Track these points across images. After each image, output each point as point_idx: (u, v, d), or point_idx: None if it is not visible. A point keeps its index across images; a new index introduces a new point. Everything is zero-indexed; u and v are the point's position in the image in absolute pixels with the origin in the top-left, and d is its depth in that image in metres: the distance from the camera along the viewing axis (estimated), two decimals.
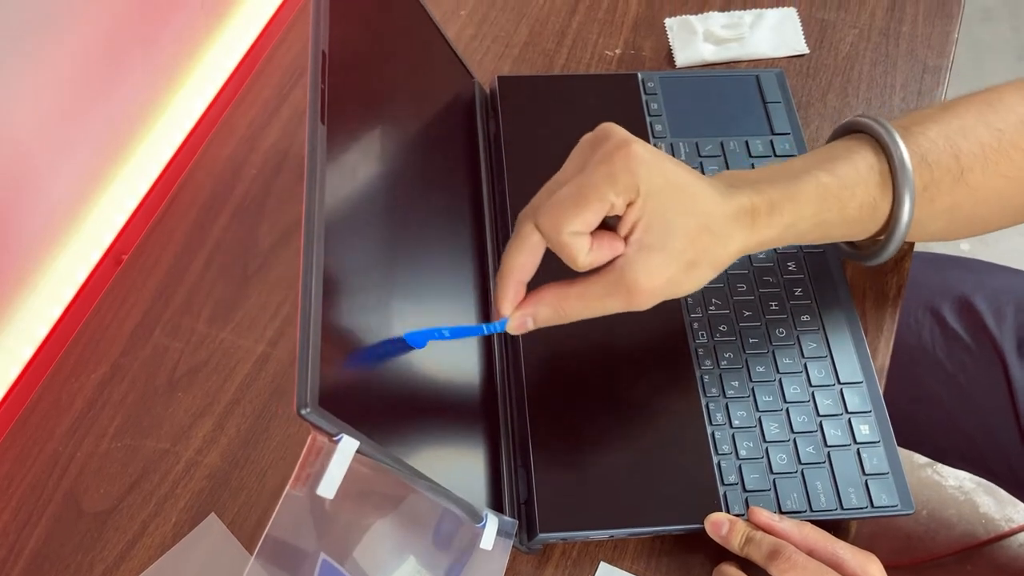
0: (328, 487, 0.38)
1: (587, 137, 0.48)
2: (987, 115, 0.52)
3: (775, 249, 0.61)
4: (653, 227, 0.45)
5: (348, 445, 0.38)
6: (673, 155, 0.64)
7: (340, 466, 0.38)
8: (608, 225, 0.46)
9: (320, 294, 0.37)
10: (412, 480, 0.43)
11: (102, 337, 0.61)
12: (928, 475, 1.21)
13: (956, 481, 1.20)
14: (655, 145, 0.65)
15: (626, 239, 0.46)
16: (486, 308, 0.58)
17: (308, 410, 0.35)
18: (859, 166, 0.50)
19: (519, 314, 0.47)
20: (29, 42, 0.63)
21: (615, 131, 0.47)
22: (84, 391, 0.59)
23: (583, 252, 0.45)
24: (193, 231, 0.65)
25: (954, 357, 0.73)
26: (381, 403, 0.44)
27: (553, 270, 0.47)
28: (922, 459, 1.21)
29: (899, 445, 0.79)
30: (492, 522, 0.48)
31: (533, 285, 0.47)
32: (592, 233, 0.45)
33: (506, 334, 0.51)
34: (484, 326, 0.48)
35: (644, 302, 0.46)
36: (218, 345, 0.60)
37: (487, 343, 0.57)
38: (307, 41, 0.73)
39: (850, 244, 0.58)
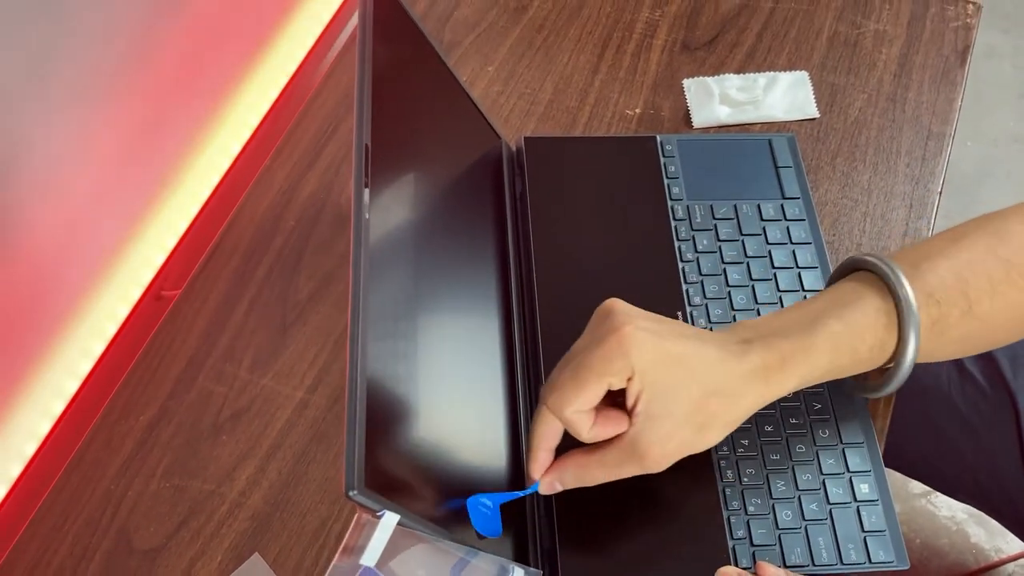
0: (371, 557, 0.42)
1: (597, 310, 0.52)
2: (995, 247, 0.53)
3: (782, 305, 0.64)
4: (656, 398, 0.49)
5: (390, 519, 0.42)
6: (688, 219, 0.68)
7: (382, 538, 0.42)
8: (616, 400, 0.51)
9: (364, 395, 0.42)
10: (447, 544, 0.47)
11: (150, 380, 0.65)
12: (923, 505, 1.25)
13: (949, 512, 1.25)
14: (671, 208, 0.69)
15: (632, 411, 0.50)
16: (511, 368, 0.62)
17: (355, 492, 0.40)
18: (867, 311, 0.52)
19: (547, 480, 0.53)
20: (86, 95, 0.67)
21: (616, 311, 0.51)
22: (134, 432, 0.63)
23: (586, 428, 0.50)
24: (235, 280, 0.69)
25: (968, 399, 0.77)
26: (417, 476, 0.48)
27: None
28: (917, 489, 1.25)
29: (908, 475, 0.83)
30: (518, 573, 0.52)
31: None
32: (597, 408, 0.50)
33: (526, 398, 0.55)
34: (521, 492, 0.53)
35: (657, 465, 0.51)
36: (259, 391, 0.64)
37: (512, 413, 0.60)
38: (341, 96, 0.77)
39: (854, 377, 0.57)
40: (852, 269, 0.56)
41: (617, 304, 0.51)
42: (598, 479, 0.52)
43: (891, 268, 0.52)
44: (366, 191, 0.47)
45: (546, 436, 0.52)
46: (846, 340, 0.52)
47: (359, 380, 0.42)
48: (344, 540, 0.43)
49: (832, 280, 0.57)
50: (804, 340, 0.51)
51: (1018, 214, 0.55)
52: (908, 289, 0.51)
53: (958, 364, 0.78)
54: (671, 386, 0.49)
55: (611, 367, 0.49)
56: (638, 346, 0.49)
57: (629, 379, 0.49)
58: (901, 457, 0.79)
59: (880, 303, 0.52)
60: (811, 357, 0.51)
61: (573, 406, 0.49)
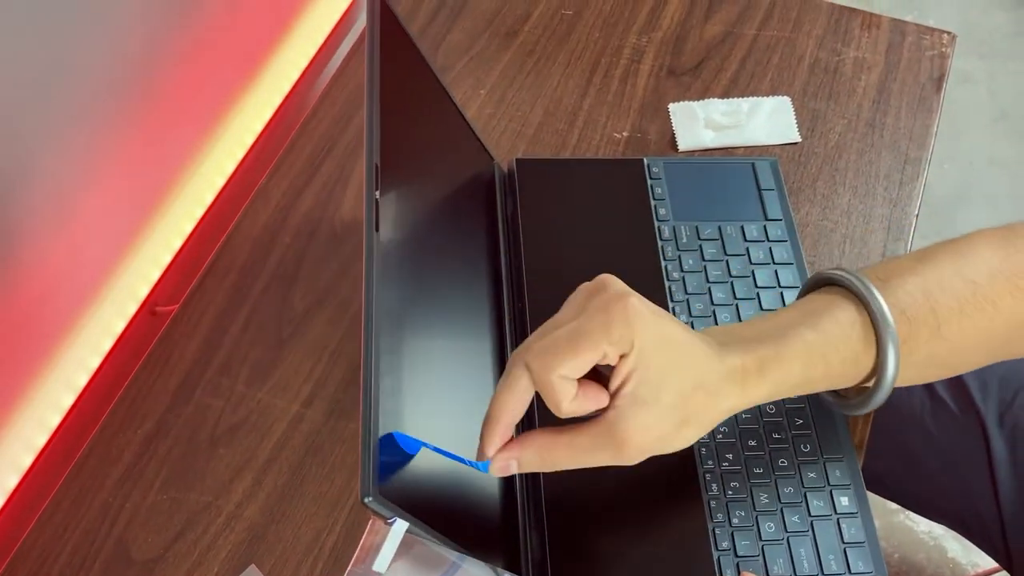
0: (383, 563, 0.44)
1: (585, 285, 0.49)
2: (962, 267, 0.53)
3: None
4: (647, 381, 0.46)
5: (400, 527, 0.44)
6: (675, 240, 0.71)
7: (393, 545, 0.44)
8: (597, 376, 0.47)
9: (378, 406, 0.43)
10: (442, 549, 0.49)
11: (148, 394, 0.66)
12: (900, 520, 1.28)
13: (927, 527, 1.27)
14: (658, 229, 0.71)
15: (617, 392, 0.46)
16: (502, 372, 0.63)
17: (370, 499, 0.41)
18: (841, 321, 0.51)
19: (502, 456, 0.47)
20: (88, 116, 0.68)
21: (613, 282, 0.48)
22: (132, 445, 0.64)
23: (568, 397, 0.45)
24: (232, 295, 0.70)
25: (940, 424, 0.79)
26: (421, 485, 0.50)
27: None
28: (895, 504, 1.27)
29: (882, 496, 0.85)
30: None
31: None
32: (579, 381, 0.46)
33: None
34: (469, 461, 0.48)
35: (633, 457, 0.47)
36: (256, 405, 0.66)
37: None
38: (337, 116, 0.79)
39: (834, 395, 0.58)
40: (821, 284, 0.55)
41: (612, 278, 0.48)
42: (562, 464, 0.47)
43: (862, 282, 0.52)
44: (376, 206, 0.49)
45: (511, 407, 0.46)
46: (819, 349, 0.50)
47: (373, 393, 0.44)
48: (359, 544, 0.44)
49: (801, 295, 0.57)
50: (778, 346, 0.50)
51: (984, 238, 0.55)
52: (882, 302, 0.51)
53: (930, 390, 0.80)
54: (664, 371, 0.46)
55: (612, 335, 0.45)
56: (642, 320, 0.46)
57: (623, 356, 0.46)
58: (875, 479, 0.81)
59: (854, 315, 0.51)
60: (784, 364, 0.50)
61: (562, 369, 0.44)
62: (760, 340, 0.50)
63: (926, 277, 0.53)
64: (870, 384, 0.53)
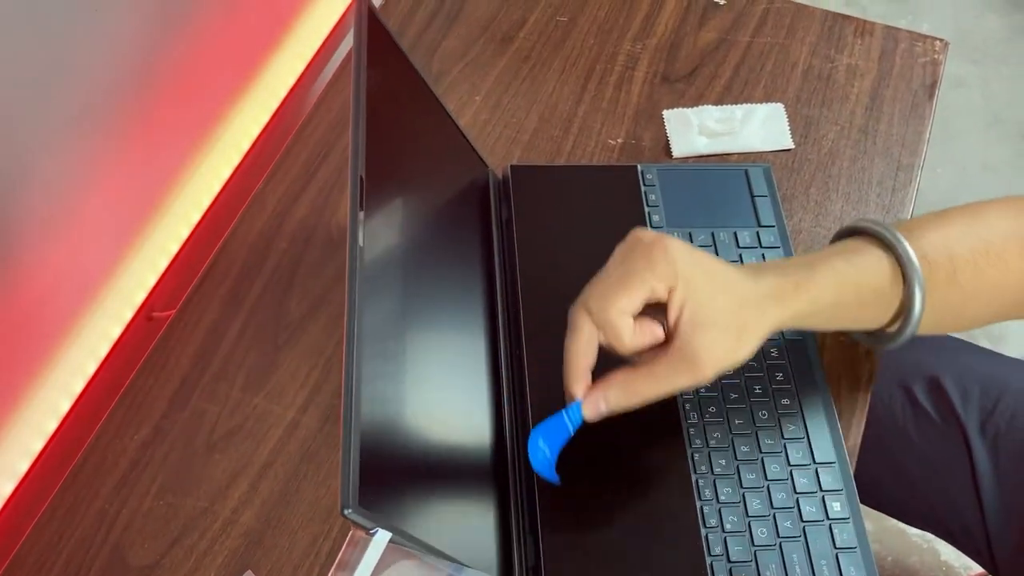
0: (363, 573, 0.44)
1: (622, 243, 0.54)
2: (975, 227, 0.59)
3: None
4: (700, 306, 0.51)
5: (382, 537, 0.44)
6: None
7: (375, 555, 0.44)
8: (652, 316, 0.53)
9: (359, 418, 0.44)
10: (436, 559, 0.49)
11: (144, 400, 0.67)
12: (893, 523, 1.27)
13: (919, 530, 1.27)
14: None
15: (677, 323, 0.51)
16: (497, 388, 0.64)
17: (350, 511, 0.41)
18: (870, 258, 0.57)
19: (591, 397, 0.52)
20: (85, 122, 0.68)
21: (648, 232, 0.53)
22: (128, 452, 0.64)
23: (628, 332, 0.51)
24: (228, 301, 0.71)
25: (922, 432, 0.80)
26: (408, 494, 0.50)
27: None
28: None
29: (869, 506, 0.86)
30: None
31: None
32: (636, 319, 0.51)
33: (515, 429, 0.57)
34: (563, 413, 0.53)
35: (707, 374, 0.52)
36: (252, 410, 0.66)
37: (498, 434, 0.63)
38: (333, 122, 0.79)
39: (868, 334, 0.63)
40: (847, 235, 0.60)
41: (645, 229, 0.54)
42: (645, 393, 0.52)
43: (888, 229, 0.57)
44: (361, 220, 0.49)
45: (582, 352, 0.52)
46: (851, 277, 0.55)
47: (354, 404, 0.44)
48: (338, 557, 0.45)
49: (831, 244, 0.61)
50: (811, 271, 0.55)
51: (998, 204, 0.60)
52: (907, 245, 0.56)
53: (912, 399, 0.80)
54: (712, 295, 0.51)
55: (656, 271, 0.51)
56: (681, 256, 0.51)
57: (671, 291, 0.51)
58: (860, 488, 0.81)
59: (882, 255, 0.57)
60: (818, 284, 0.54)
61: (618, 305, 0.50)
62: (794, 266, 0.56)
63: (944, 232, 0.58)
64: (894, 328, 0.59)
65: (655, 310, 0.53)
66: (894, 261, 0.57)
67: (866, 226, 0.58)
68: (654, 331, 0.52)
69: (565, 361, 0.53)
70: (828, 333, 0.69)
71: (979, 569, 1.23)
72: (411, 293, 0.56)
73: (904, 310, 0.57)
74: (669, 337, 0.52)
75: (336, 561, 0.45)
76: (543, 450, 0.54)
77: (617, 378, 0.53)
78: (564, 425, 0.54)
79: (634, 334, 0.51)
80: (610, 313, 0.51)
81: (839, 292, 0.56)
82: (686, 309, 0.51)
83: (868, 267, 0.56)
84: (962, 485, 0.78)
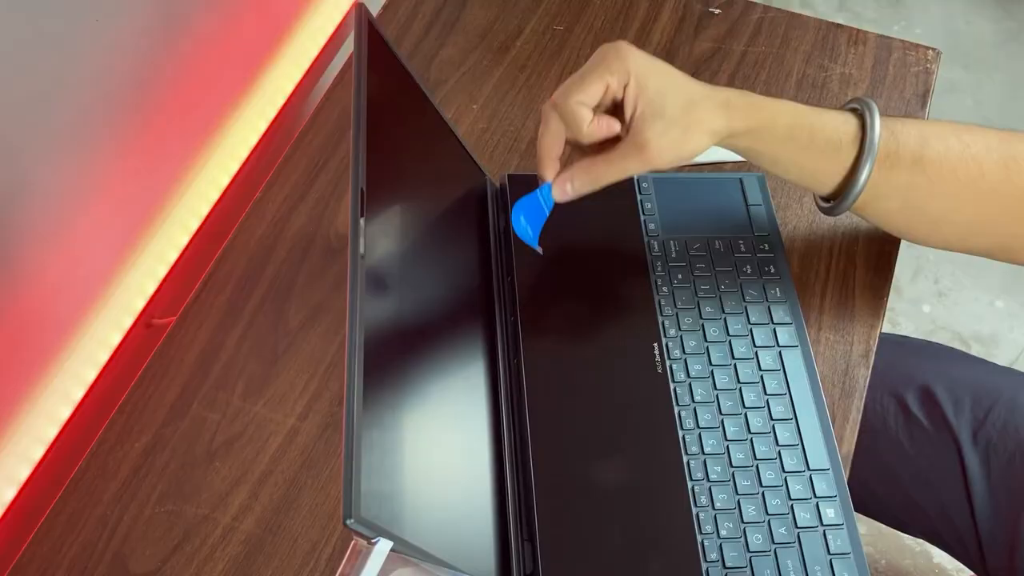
0: None
1: (601, 47, 0.60)
2: (961, 132, 0.63)
3: (755, 343, 0.68)
4: (652, 101, 0.58)
5: (384, 546, 0.45)
6: (664, 254, 0.72)
7: (376, 564, 0.45)
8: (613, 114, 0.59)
9: (361, 429, 0.44)
10: (435, 567, 0.50)
11: (144, 408, 0.67)
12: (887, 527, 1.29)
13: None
14: (647, 243, 0.72)
15: (632, 115, 0.58)
16: (495, 393, 0.65)
17: (352, 521, 0.42)
18: (836, 116, 0.62)
19: (559, 179, 0.60)
20: (84, 132, 0.69)
21: (617, 42, 0.59)
22: (129, 459, 0.65)
23: (585, 121, 0.58)
24: (228, 310, 0.71)
25: (915, 441, 0.80)
26: (409, 504, 0.50)
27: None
28: None
29: (862, 514, 0.87)
30: None
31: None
32: (596, 114, 0.58)
33: (516, 419, 0.57)
34: (537, 192, 0.61)
35: (656, 159, 0.58)
36: (252, 418, 0.67)
37: (496, 440, 0.63)
38: (331, 130, 0.80)
39: (822, 199, 0.67)
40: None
41: (619, 42, 0.60)
42: (603, 176, 0.59)
43: (869, 104, 0.62)
44: (362, 228, 0.50)
45: (551, 141, 0.60)
46: (807, 119, 0.61)
47: (356, 413, 0.45)
48: (340, 567, 0.46)
49: None
50: (773, 102, 0.61)
51: (992, 130, 0.64)
52: (877, 117, 0.61)
53: (904, 408, 0.81)
54: (662, 91, 0.58)
55: (611, 68, 0.57)
56: (634, 57, 0.58)
57: (626, 87, 0.58)
58: (852, 496, 0.82)
59: (853, 120, 0.62)
60: (775, 112, 0.60)
61: (576, 96, 0.57)
62: (760, 95, 0.61)
63: (927, 128, 0.63)
64: (841, 192, 0.63)
65: (617, 111, 0.59)
66: (860, 128, 0.61)
67: (857, 99, 0.63)
68: (611, 125, 0.59)
69: (538, 148, 0.60)
70: (822, 338, 0.70)
71: (972, 573, 1.24)
72: (410, 301, 0.57)
73: (852, 174, 0.61)
74: (625, 130, 0.59)
75: (338, 572, 0.46)
76: (524, 225, 0.61)
77: (581, 164, 0.60)
78: (539, 204, 0.61)
79: (592, 124, 0.58)
80: (569, 103, 0.57)
81: (793, 127, 0.61)
82: (639, 103, 0.58)
83: (831, 120, 0.61)
84: (954, 493, 0.79)
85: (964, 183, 0.62)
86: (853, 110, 0.63)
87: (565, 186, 0.60)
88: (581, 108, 0.57)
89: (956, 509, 0.79)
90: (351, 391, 0.45)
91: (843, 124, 0.61)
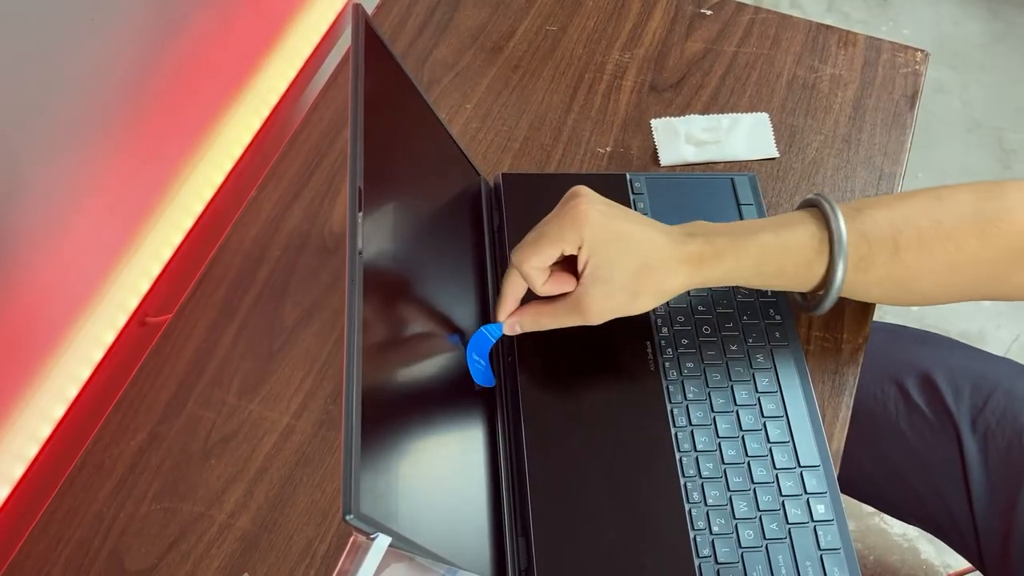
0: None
1: (568, 192, 0.63)
2: (933, 209, 0.62)
3: (746, 341, 0.69)
4: (600, 266, 0.60)
5: (382, 541, 0.45)
6: None
7: (375, 559, 0.45)
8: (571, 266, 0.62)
9: (360, 426, 0.45)
10: (432, 562, 0.50)
11: (140, 406, 0.67)
12: (875, 523, 1.30)
13: (900, 529, 1.30)
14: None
15: (581, 274, 0.61)
16: (488, 391, 0.65)
17: (352, 516, 0.43)
18: (801, 234, 0.62)
19: (510, 321, 0.64)
20: (79, 132, 0.69)
21: (580, 192, 0.62)
22: (124, 457, 0.65)
23: (540, 282, 0.62)
24: (223, 308, 0.71)
25: (914, 428, 0.82)
26: (407, 499, 0.51)
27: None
28: (870, 507, 1.30)
29: (859, 499, 0.88)
30: None
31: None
32: (552, 269, 0.62)
33: (513, 422, 0.58)
34: (483, 329, 0.65)
35: (595, 319, 0.62)
36: (247, 416, 0.67)
37: (491, 436, 0.64)
38: (326, 129, 0.80)
39: (803, 297, 0.69)
40: (805, 207, 0.65)
41: (582, 188, 0.62)
42: (547, 325, 0.64)
43: (832, 206, 0.62)
44: (359, 224, 0.50)
45: (513, 288, 0.64)
46: (774, 251, 0.62)
47: (355, 410, 0.45)
48: (339, 563, 0.46)
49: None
50: (738, 242, 0.62)
51: (965, 187, 0.64)
52: (842, 223, 0.61)
53: (904, 395, 0.82)
54: (613, 258, 0.60)
55: (564, 236, 0.60)
56: (590, 223, 0.60)
57: (579, 248, 0.60)
58: (850, 483, 0.83)
59: (816, 231, 0.62)
60: (740, 256, 0.61)
61: (530, 263, 0.61)
62: (725, 235, 0.62)
63: (896, 212, 0.63)
64: (819, 294, 0.64)
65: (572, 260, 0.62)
66: (827, 236, 0.62)
67: (817, 200, 0.64)
68: (566, 283, 0.62)
69: (500, 294, 0.64)
70: (812, 337, 0.71)
71: (958, 567, 1.25)
72: (407, 298, 0.58)
73: (826, 283, 0.63)
74: (576, 282, 0.62)
75: (336, 571, 0.46)
76: (477, 360, 0.64)
77: (530, 309, 0.64)
78: (487, 337, 0.65)
79: (545, 283, 0.62)
80: (523, 268, 0.61)
81: (760, 263, 0.62)
82: (588, 266, 0.60)
83: (796, 243, 0.62)
84: (952, 480, 0.80)
85: (942, 262, 0.62)
86: (815, 206, 0.63)
87: (515, 326, 0.64)
88: (535, 271, 0.61)
89: (953, 495, 0.80)
90: (350, 387, 0.45)
91: (809, 239, 0.62)
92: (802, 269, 0.62)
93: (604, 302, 0.61)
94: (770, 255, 0.62)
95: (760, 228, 0.63)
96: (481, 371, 0.64)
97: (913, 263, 0.62)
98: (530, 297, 0.64)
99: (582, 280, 0.61)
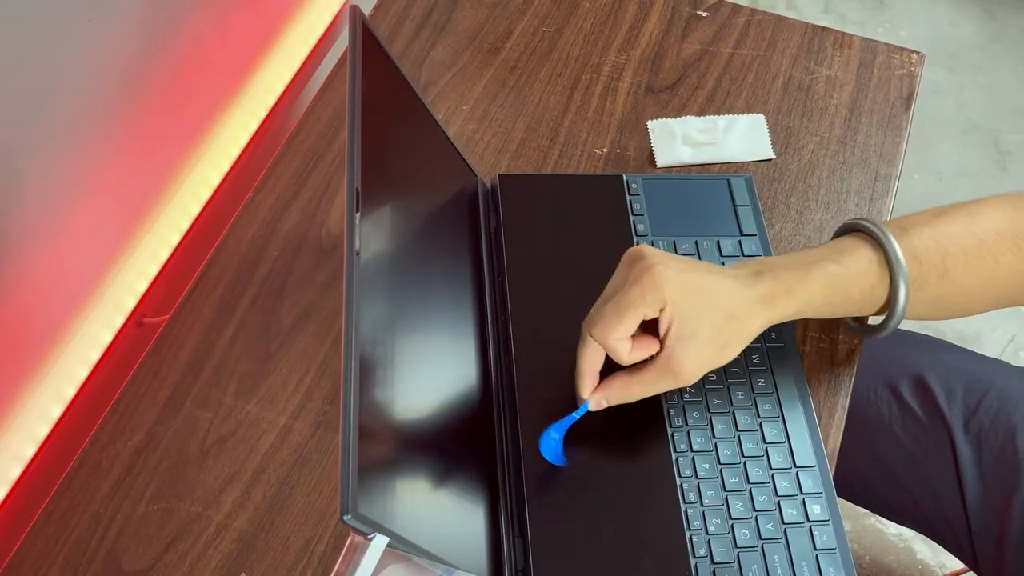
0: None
1: (626, 256, 0.61)
2: (971, 225, 0.64)
3: None
4: (685, 324, 0.58)
5: (380, 541, 0.45)
6: None
7: (372, 559, 0.45)
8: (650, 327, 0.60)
9: (358, 426, 0.45)
10: (430, 562, 0.51)
11: (137, 407, 0.67)
12: (871, 523, 1.31)
13: (896, 529, 1.30)
14: (637, 244, 0.73)
15: (665, 336, 0.59)
16: (487, 384, 0.65)
17: (349, 516, 0.43)
18: (861, 259, 0.62)
19: (595, 397, 0.61)
20: (77, 132, 0.69)
21: (646, 253, 0.60)
22: (122, 457, 0.65)
23: (626, 352, 0.59)
24: (220, 309, 0.72)
25: (908, 430, 0.82)
26: (404, 500, 0.51)
27: None
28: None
29: (853, 502, 0.88)
30: None
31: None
32: (633, 336, 0.59)
33: (511, 426, 0.58)
34: (576, 414, 0.62)
35: (689, 379, 0.59)
36: (244, 416, 0.67)
37: (488, 438, 0.64)
38: (323, 130, 0.80)
39: (857, 321, 0.69)
40: (848, 231, 0.65)
41: (646, 248, 0.60)
42: (638, 395, 0.61)
43: (881, 230, 0.62)
44: (357, 225, 0.50)
45: (591, 362, 0.60)
46: (840, 280, 0.61)
47: (353, 410, 0.45)
48: (337, 563, 0.46)
49: (832, 239, 0.66)
50: (804, 275, 0.61)
51: (994, 202, 0.65)
52: (896, 246, 0.61)
53: (898, 397, 0.83)
54: (696, 313, 0.58)
55: (646, 300, 0.57)
56: (668, 282, 0.58)
57: (661, 310, 0.58)
58: (844, 485, 0.84)
59: (872, 255, 0.62)
60: (809, 290, 0.60)
61: (616, 334, 0.58)
62: (790, 269, 0.61)
63: (939, 230, 0.63)
64: (881, 319, 0.64)
65: (652, 323, 0.59)
66: (883, 259, 0.61)
67: (863, 225, 0.63)
68: (650, 347, 0.59)
69: (577, 370, 0.61)
70: (808, 339, 0.71)
71: (954, 567, 1.26)
72: (403, 301, 0.58)
73: (890, 304, 0.62)
74: (661, 346, 0.59)
75: (334, 571, 0.47)
76: (553, 436, 0.62)
77: (616, 382, 0.61)
78: (572, 417, 0.62)
79: (631, 351, 0.59)
80: (608, 340, 0.58)
81: (829, 293, 0.61)
82: (673, 326, 0.58)
83: (858, 269, 0.61)
84: (946, 481, 0.80)
85: (984, 277, 0.63)
86: (857, 230, 0.64)
87: (601, 401, 0.61)
88: (620, 343, 0.58)
89: (947, 497, 0.80)
90: (348, 387, 0.45)
91: (868, 266, 0.61)
92: (867, 294, 0.62)
93: (696, 359, 0.59)
94: (837, 285, 0.61)
95: (819, 258, 0.62)
96: (552, 447, 0.62)
97: (960, 281, 0.63)
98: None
99: (667, 342, 0.58)
